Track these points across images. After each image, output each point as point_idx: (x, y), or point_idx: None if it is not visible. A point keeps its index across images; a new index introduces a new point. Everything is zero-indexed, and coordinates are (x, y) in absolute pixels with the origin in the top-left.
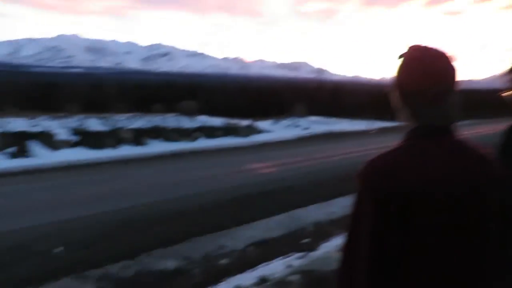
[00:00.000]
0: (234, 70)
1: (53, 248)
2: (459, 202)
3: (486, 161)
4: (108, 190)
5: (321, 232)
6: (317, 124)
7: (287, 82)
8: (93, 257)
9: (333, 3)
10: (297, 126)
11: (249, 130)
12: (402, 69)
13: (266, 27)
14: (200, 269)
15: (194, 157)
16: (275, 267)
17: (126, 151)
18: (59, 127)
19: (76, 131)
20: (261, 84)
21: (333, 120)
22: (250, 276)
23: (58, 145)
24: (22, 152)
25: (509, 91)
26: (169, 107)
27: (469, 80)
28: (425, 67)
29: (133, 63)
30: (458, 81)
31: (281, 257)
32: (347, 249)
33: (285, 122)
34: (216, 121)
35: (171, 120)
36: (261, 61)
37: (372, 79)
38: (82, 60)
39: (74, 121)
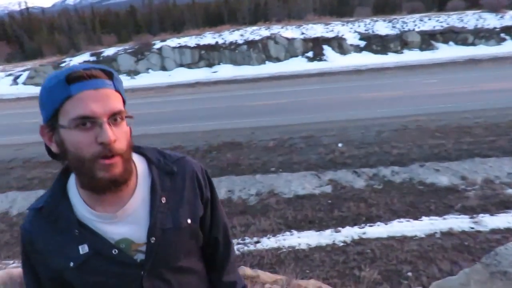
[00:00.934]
0: None
1: (336, 142)
2: None
3: None
4: (387, 96)
5: None
6: None
7: None
8: (367, 157)
9: None
10: None
11: None
12: None
13: None
14: (478, 192)
15: (497, 64)
16: None
17: (411, 56)
18: (349, 31)
19: (364, 36)
20: None
21: None
22: None
23: (347, 50)
24: (318, 56)
25: None
26: (471, 2)
27: None
28: None
29: None
30: None
31: None
32: None
33: None
34: None
35: (470, 19)
36: None
37: None
38: None
39: (363, 25)
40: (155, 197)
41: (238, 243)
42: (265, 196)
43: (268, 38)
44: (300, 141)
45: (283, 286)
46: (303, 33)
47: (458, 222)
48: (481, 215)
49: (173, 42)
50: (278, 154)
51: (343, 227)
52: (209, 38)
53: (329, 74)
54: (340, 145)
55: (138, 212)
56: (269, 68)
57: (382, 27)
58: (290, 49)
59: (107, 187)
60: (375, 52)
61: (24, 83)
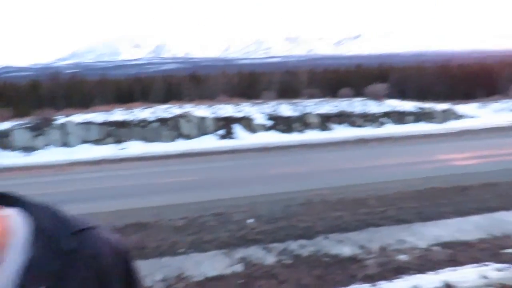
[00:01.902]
0: (433, 47)
1: (246, 218)
2: None
3: None
4: (293, 171)
5: None
6: None
7: (501, 56)
8: (277, 232)
9: None
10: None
11: (447, 115)
12: None
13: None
14: (375, 260)
15: (380, 144)
16: (465, 275)
17: (312, 135)
18: (257, 112)
19: (271, 116)
20: (467, 61)
21: None
22: (432, 279)
23: (256, 129)
24: (228, 134)
25: None
26: (357, 91)
27: None
28: None
29: (324, 49)
30: None
31: (474, 265)
32: None
33: (496, 105)
34: (407, 105)
35: (357, 105)
36: (473, 33)
37: None
38: (280, 50)
39: (269, 107)
40: (29, 285)
41: None
42: (172, 281)
43: (180, 116)
44: (211, 219)
45: None
46: (214, 112)
47: None
48: (380, 282)
49: (79, 117)
50: (187, 233)
51: None
52: (118, 114)
53: (239, 151)
54: (250, 220)
55: None
56: (181, 145)
57: (286, 109)
58: (201, 127)
59: None
60: (281, 131)
61: None
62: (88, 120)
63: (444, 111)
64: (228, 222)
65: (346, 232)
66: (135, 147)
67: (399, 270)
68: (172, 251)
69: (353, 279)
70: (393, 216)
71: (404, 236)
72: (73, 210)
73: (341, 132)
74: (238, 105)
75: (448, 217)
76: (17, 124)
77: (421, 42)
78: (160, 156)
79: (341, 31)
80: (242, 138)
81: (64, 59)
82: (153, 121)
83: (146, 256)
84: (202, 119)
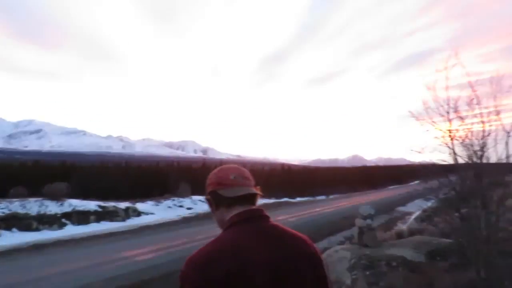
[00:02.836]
0: (116, 148)
1: None
2: (279, 280)
3: (301, 241)
4: None
5: None
6: (201, 204)
7: (171, 161)
8: None
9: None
10: (180, 206)
11: (128, 213)
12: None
13: (155, 105)
14: None
15: (61, 248)
16: None
17: None
18: None
19: None
20: (144, 163)
21: None
22: None
23: None
24: None
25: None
26: (34, 191)
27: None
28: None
29: None
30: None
31: None
32: None
33: (168, 202)
34: (90, 204)
35: (33, 206)
36: (148, 139)
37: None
38: None
39: None
40: None
41: None
42: None
43: None
44: None
45: None
46: None
47: None
48: None
49: None
50: None
51: None
52: None
53: None
54: None
55: None
56: None
57: None
58: None
59: None
60: None
61: None
62: None
63: (126, 209)
64: None
65: None
66: None
67: None
68: None
69: None
70: None
71: None
72: None
73: (12, 238)
74: None
75: None
76: None
77: (106, 143)
78: None
79: (16, 124)
80: None
81: None
82: None
83: None
84: None
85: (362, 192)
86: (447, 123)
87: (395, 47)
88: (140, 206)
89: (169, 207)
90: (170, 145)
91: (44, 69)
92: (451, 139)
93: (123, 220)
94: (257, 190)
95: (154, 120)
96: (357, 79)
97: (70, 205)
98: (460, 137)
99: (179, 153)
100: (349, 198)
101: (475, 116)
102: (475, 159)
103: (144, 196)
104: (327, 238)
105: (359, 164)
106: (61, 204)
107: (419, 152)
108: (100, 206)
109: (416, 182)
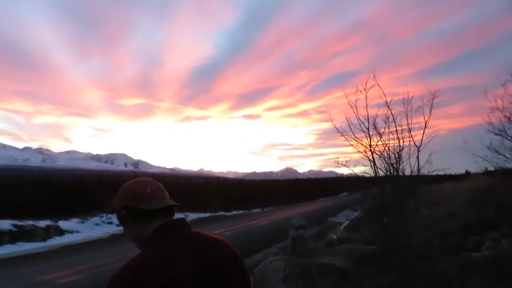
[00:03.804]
0: (35, 162)
1: None
2: (210, 286)
3: (224, 245)
4: None
5: None
6: None
7: (99, 175)
8: None
9: (150, 100)
10: (109, 223)
11: (49, 232)
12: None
13: (80, 118)
14: None
15: None
16: None
17: None
18: None
19: None
20: (68, 177)
21: None
22: None
23: None
24: None
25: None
26: None
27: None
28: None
29: None
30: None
31: None
32: None
33: (96, 219)
34: (3, 223)
35: None
36: (72, 152)
37: (190, 171)
38: None
39: None
40: None
41: None
42: None
43: None
44: None
45: None
46: None
47: None
48: None
49: None
50: None
51: None
52: None
53: None
54: None
55: None
56: None
57: None
58: None
59: None
60: None
61: None
62: None
63: (47, 228)
64: None
65: None
66: None
67: None
68: None
69: None
70: None
71: None
72: None
73: None
74: None
75: None
76: None
77: (23, 155)
78: None
79: None
80: None
81: None
82: None
83: None
84: None
85: (296, 204)
86: (368, 138)
87: (322, 67)
88: (63, 224)
89: (97, 224)
90: (97, 158)
91: None
92: (372, 153)
93: (43, 240)
94: (174, 202)
95: (81, 132)
96: (287, 95)
97: None
98: (379, 151)
99: (108, 166)
100: (283, 210)
101: (391, 132)
102: (392, 171)
103: (68, 213)
104: (263, 251)
105: (292, 177)
106: None
107: (344, 165)
108: (15, 225)
109: (345, 193)
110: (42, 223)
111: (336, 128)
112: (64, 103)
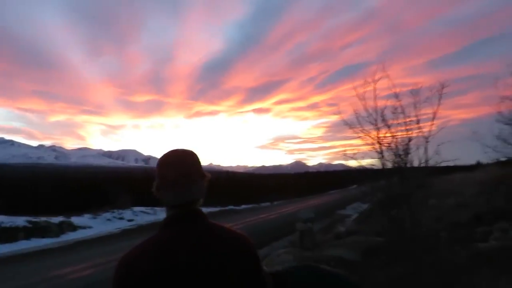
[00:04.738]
0: (48, 159)
1: None
2: (202, 280)
3: (235, 239)
4: None
5: None
6: (143, 215)
7: (110, 172)
8: None
9: (160, 96)
10: (121, 218)
11: (62, 228)
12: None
13: (93, 116)
14: None
15: None
16: None
17: None
18: None
19: None
20: (80, 174)
21: (159, 209)
22: None
23: None
24: None
25: None
26: None
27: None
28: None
29: None
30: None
31: None
32: None
33: (107, 215)
34: (18, 220)
35: None
36: (84, 149)
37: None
38: None
39: None
40: None
41: None
42: None
43: None
44: None
45: None
46: None
47: None
48: None
49: None
50: None
51: None
52: None
53: None
54: None
55: None
56: None
57: None
58: None
59: None
60: None
61: None
62: None
63: (60, 224)
64: None
65: None
66: None
67: None
68: None
69: None
70: None
71: None
72: None
73: None
74: None
75: None
76: None
77: (37, 153)
78: None
79: None
80: None
81: None
82: None
83: None
84: None
85: (305, 198)
86: (376, 130)
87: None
88: (76, 220)
89: (108, 219)
90: (109, 154)
91: None
92: (380, 145)
93: (57, 235)
94: (194, 194)
95: (93, 130)
96: (297, 88)
97: None
98: (387, 143)
99: (119, 163)
100: (292, 204)
101: (399, 124)
102: (400, 163)
103: (80, 209)
104: (271, 244)
105: (301, 170)
106: None
107: (352, 158)
108: (30, 222)
109: (354, 186)
110: (56, 219)
111: (345, 121)
112: (77, 101)
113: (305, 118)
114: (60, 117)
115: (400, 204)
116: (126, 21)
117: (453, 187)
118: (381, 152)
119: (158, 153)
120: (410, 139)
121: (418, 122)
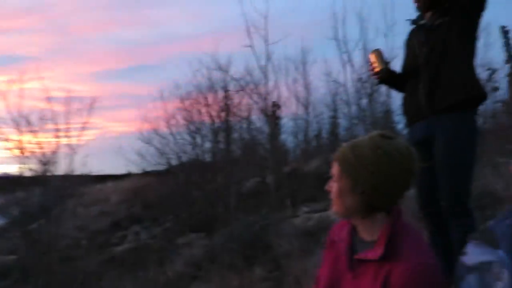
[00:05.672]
0: None
1: None
2: None
3: None
4: None
5: None
6: None
7: None
8: None
9: None
10: None
11: None
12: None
13: None
14: None
15: None
16: None
17: None
18: None
19: None
20: None
21: None
22: None
23: None
24: None
25: None
26: None
27: None
28: None
29: None
30: None
31: None
32: None
33: None
34: None
35: None
36: None
37: None
38: None
39: None
40: None
41: None
42: None
43: None
44: None
45: None
46: None
47: None
48: None
49: None
50: None
51: None
52: None
53: None
54: None
55: None
56: None
57: None
58: None
59: None
60: None
61: None
62: None
63: None
64: None
65: None
66: None
67: None
68: None
69: None
70: None
71: None
72: None
73: None
74: None
75: None
76: None
77: None
78: None
79: None
80: None
81: None
82: None
83: None
84: None
85: None
86: (19, 134)
87: None
88: None
89: None
90: None
91: None
92: (21, 151)
93: None
94: None
95: None
96: None
97: None
98: (31, 150)
99: None
100: None
101: (48, 131)
102: (44, 172)
103: None
104: None
105: None
106: None
107: None
108: None
109: None
110: None
111: None
112: None
113: None
114: None
115: (40, 217)
116: None
117: (103, 195)
118: (23, 159)
119: None
120: (58, 147)
121: (70, 130)
